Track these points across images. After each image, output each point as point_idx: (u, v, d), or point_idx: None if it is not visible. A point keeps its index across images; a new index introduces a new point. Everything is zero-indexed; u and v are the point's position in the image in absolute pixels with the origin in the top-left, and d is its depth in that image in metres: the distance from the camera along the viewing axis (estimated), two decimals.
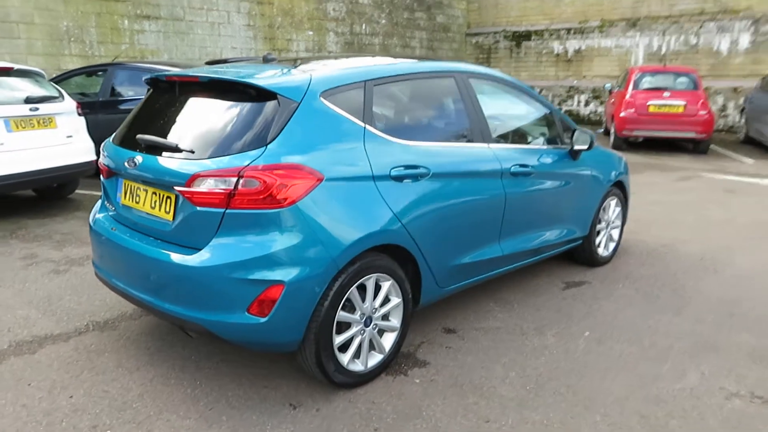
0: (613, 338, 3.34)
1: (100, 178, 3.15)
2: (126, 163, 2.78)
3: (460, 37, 18.03)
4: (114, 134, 3.12)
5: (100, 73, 7.89)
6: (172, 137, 2.72)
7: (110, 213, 3.06)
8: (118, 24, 10.57)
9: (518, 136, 4.00)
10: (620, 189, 4.70)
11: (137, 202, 2.80)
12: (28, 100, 5.63)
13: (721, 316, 3.66)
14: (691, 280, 4.27)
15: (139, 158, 2.72)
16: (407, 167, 2.87)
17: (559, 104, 16.29)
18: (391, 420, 2.56)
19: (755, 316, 3.65)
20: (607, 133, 12.28)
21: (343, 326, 2.71)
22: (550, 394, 2.77)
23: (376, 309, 2.80)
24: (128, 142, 2.90)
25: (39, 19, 9.57)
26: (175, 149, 2.63)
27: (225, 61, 4.24)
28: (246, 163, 2.43)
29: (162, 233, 2.66)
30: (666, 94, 10.54)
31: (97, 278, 3.11)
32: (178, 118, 2.87)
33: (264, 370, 2.92)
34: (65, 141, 5.90)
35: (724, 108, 13.73)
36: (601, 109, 15.36)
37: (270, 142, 2.49)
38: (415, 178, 2.90)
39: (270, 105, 2.59)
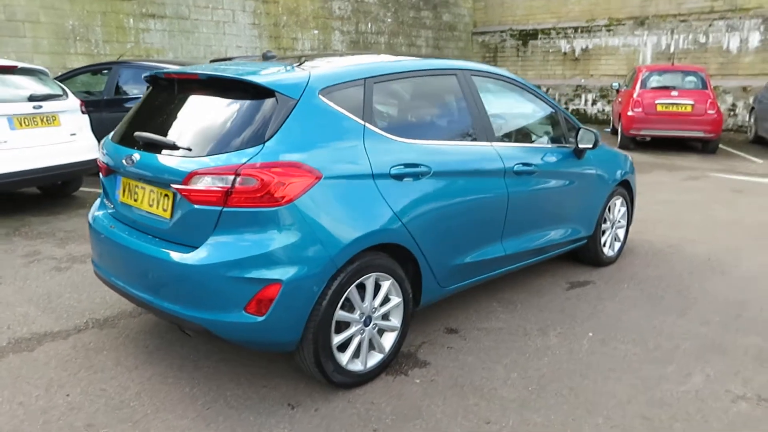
0: (617, 339, 3.30)
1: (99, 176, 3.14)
2: (124, 161, 2.76)
3: (466, 36, 17.97)
4: (113, 131, 3.11)
5: (104, 71, 7.90)
6: (171, 134, 2.70)
7: (109, 211, 3.04)
8: (123, 23, 10.60)
9: (521, 134, 3.96)
10: (626, 188, 4.65)
11: (135, 200, 2.78)
12: (32, 98, 5.63)
13: (727, 317, 3.60)
14: (698, 281, 4.21)
15: (136, 156, 2.70)
16: (407, 166, 2.84)
17: (566, 103, 16.20)
18: (390, 421, 2.52)
19: (763, 318, 3.59)
20: (614, 132, 12.20)
21: (343, 326, 2.67)
22: (552, 395, 2.73)
23: (375, 308, 2.77)
24: (127, 139, 2.89)
25: (45, 17, 9.61)
26: (173, 147, 2.61)
27: (230, 60, 4.23)
28: (243, 160, 2.41)
29: (160, 231, 2.64)
30: (674, 93, 10.45)
31: (97, 276, 3.10)
32: (177, 116, 2.84)
33: (263, 370, 2.90)
34: (69, 139, 5.90)
35: (733, 107, 13.61)
36: (608, 108, 15.27)
37: (268, 140, 2.47)
38: (416, 176, 2.87)
39: (268, 102, 2.57)
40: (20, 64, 5.91)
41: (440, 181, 2.98)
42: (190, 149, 2.56)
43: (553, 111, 4.03)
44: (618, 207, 4.59)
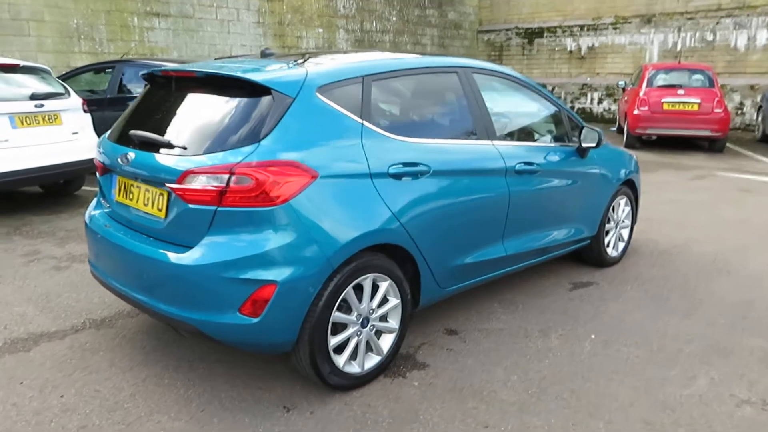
0: (620, 341, 3.24)
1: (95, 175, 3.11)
2: (120, 160, 2.73)
3: (471, 34, 17.89)
4: (110, 130, 3.08)
5: (108, 70, 7.89)
6: (167, 133, 2.67)
7: (105, 210, 3.01)
8: (127, 21, 10.60)
9: (524, 133, 3.90)
10: (630, 188, 4.59)
11: (131, 199, 2.75)
12: (34, 97, 5.62)
13: (733, 319, 3.54)
14: (703, 282, 4.15)
15: (132, 154, 2.67)
16: (406, 165, 2.79)
17: (572, 102, 16.10)
18: (387, 424, 2.48)
19: None
20: (620, 131, 12.09)
21: (339, 327, 2.63)
22: (552, 398, 2.68)
23: (373, 310, 2.73)
24: (123, 138, 2.86)
25: (49, 16, 9.61)
26: (168, 145, 2.58)
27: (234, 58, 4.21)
28: (238, 159, 2.37)
29: (155, 231, 2.61)
30: (680, 91, 10.34)
31: (93, 277, 3.07)
32: (174, 114, 2.81)
33: (258, 371, 2.86)
34: (70, 138, 5.89)
35: (740, 106, 13.48)
36: (614, 106, 15.15)
37: (263, 139, 2.43)
38: (415, 175, 2.82)
39: (265, 100, 2.53)
40: (22, 63, 5.90)
41: (440, 180, 2.94)
42: (185, 148, 2.52)
43: (557, 109, 3.97)
44: (622, 207, 4.53)
